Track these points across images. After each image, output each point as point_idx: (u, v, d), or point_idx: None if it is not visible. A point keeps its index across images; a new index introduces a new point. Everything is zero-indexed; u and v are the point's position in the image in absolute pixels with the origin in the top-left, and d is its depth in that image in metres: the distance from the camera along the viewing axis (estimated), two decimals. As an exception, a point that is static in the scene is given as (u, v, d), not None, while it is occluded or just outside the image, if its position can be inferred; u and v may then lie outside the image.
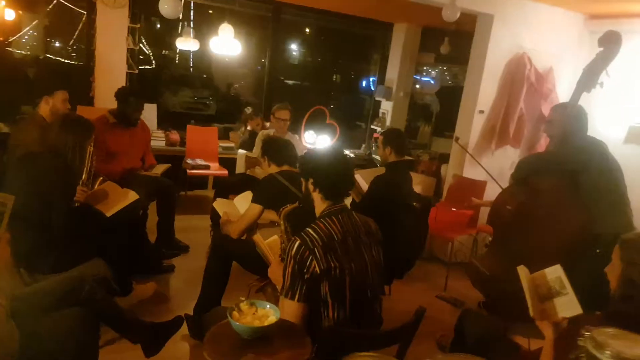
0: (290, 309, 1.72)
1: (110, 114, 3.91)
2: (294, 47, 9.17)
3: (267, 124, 5.91)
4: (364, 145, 7.66)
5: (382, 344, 1.72)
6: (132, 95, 3.92)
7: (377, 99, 7.65)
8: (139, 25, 5.60)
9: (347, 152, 7.20)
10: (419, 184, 4.80)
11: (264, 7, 6.58)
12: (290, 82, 9.22)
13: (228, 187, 4.36)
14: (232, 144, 6.54)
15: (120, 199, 2.92)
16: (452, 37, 6.20)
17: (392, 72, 7.36)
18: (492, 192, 4.49)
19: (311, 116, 6.91)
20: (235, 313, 1.58)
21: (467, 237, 4.50)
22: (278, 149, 2.93)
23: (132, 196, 2.97)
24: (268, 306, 1.63)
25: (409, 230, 3.22)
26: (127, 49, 5.50)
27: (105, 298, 2.12)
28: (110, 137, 3.85)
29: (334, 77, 9.98)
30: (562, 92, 4.55)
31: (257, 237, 2.28)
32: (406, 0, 4.34)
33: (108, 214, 2.80)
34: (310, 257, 1.71)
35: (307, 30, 8.69)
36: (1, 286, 2.14)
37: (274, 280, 2.02)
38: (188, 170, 5.44)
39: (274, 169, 2.88)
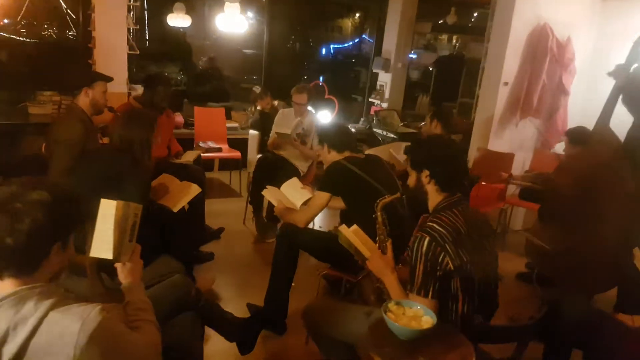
0: (423, 307, 1.70)
1: (136, 102, 3.74)
2: (287, 22, 8.97)
3: (276, 102, 5.78)
4: (362, 119, 7.61)
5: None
6: (161, 83, 3.75)
7: (374, 71, 7.57)
8: (138, 3, 5.31)
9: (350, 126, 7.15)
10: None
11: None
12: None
13: (265, 170, 4.26)
14: (235, 124, 6.40)
15: (184, 193, 2.82)
16: (456, 7, 6.16)
17: (389, 43, 7.27)
18: (518, 165, 4.59)
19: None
20: (390, 314, 1.56)
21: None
22: (338, 135, 2.85)
23: (195, 189, 2.87)
24: (418, 306, 1.62)
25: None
26: (128, 28, 5.21)
27: (207, 299, 2.07)
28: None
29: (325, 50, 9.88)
30: (580, 62, 4.62)
31: (344, 228, 2.24)
32: None
33: (175, 210, 2.71)
34: (443, 253, 1.68)
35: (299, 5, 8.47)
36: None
37: (376, 272, 1.98)
38: (202, 155, 5.29)
39: (334, 155, 2.81)
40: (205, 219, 4.09)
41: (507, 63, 4.41)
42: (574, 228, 2.71)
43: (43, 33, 5.94)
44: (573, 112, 4.73)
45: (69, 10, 5.69)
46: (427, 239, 1.70)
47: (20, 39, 5.82)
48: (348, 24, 10.37)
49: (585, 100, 4.73)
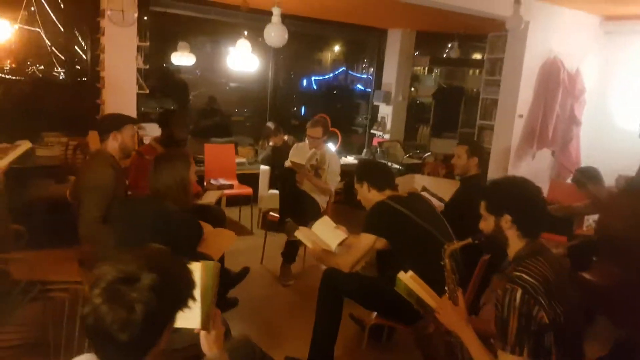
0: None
1: (157, 143, 3.65)
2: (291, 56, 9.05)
3: (286, 137, 5.75)
4: (365, 151, 7.61)
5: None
6: (175, 116, 3.69)
7: (375, 103, 7.63)
8: (147, 44, 5.26)
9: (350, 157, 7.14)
10: (447, 188, 4.80)
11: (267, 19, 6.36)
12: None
13: (290, 207, 4.17)
14: (243, 159, 6.32)
15: (223, 240, 2.72)
16: (458, 41, 6.28)
17: (389, 76, 7.38)
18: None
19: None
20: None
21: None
22: (378, 174, 2.78)
23: (232, 236, 2.77)
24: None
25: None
26: (137, 68, 5.15)
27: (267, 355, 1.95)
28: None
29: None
30: (588, 93, 4.71)
31: (403, 276, 2.14)
32: (412, 7, 4.33)
33: (216, 259, 2.59)
34: (537, 306, 1.59)
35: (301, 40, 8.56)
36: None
37: (449, 325, 1.88)
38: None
39: (375, 194, 2.73)
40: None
41: (521, 96, 4.47)
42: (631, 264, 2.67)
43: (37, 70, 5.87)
44: (583, 141, 4.81)
45: (78, 49, 5.65)
46: (519, 292, 1.61)
47: (15, 77, 5.74)
48: (329, 56, 10.53)
49: (594, 129, 4.81)
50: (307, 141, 4.34)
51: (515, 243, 1.81)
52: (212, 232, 2.79)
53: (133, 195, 2.83)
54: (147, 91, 5.31)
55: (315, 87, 10.28)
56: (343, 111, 9.04)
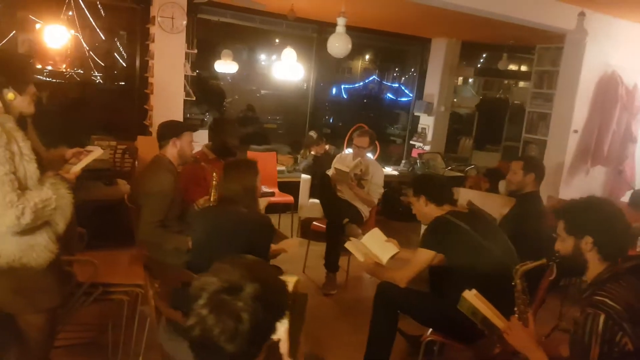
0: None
1: (209, 150, 3.69)
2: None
3: (327, 147, 5.74)
4: (404, 162, 7.52)
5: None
6: (228, 123, 3.72)
7: (416, 114, 7.55)
8: (195, 51, 5.35)
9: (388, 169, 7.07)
10: (495, 204, 4.69)
11: (310, 28, 6.41)
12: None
13: (334, 213, 4.14)
14: (282, 167, 6.34)
15: (285, 245, 2.71)
16: (507, 53, 6.17)
17: (432, 87, 7.29)
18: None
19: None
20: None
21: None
22: (437, 188, 2.72)
23: (296, 242, 2.77)
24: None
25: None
26: (185, 75, 5.24)
27: None
28: (207, 170, 3.64)
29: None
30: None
31: (468, 295, 2.08)
32: (461, 17, 4.27)
33: (282, 267, 2.60)
34: (620, 333, 1.53)
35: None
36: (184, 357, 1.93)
37: (519, 347, 1.81)
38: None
39: (433, 209, 2.67)
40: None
41: (576, 111, 4.34)
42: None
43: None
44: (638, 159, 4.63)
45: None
46: (602, 317, 1.55)
47: (55, 80, 5.89)
48: (359, 65, 10.50)
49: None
50: (351, 151, 4.32)
51: (595, 266, 1.74)
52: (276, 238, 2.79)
53: (207, 204, 2.86)
54: (194, 98, 5.38)
55: (345, 96, 10.29)
56: (376, 120, 8.99)
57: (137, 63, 5.40)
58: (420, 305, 2.57)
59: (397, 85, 10.29)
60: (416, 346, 3.09)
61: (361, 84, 10.55)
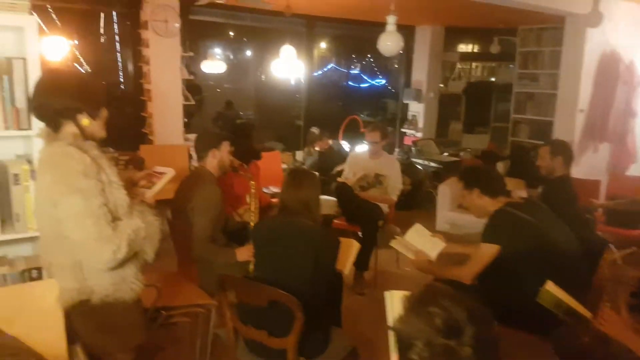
0: None
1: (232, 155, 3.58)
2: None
3: (330, 142, 5.70)
4: (397, 150, 7.56)
5: None
6: (251, 128, 3.63)
7: (405, 101, 7.58)
8: (191, 54, 5.18)
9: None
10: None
11: (299, 22, 6.31)
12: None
13: (354, 216, 4.12)
14: (284, 165, 6.25)
15: (347, 250, 2.65)
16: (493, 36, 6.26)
17: (419, 74, 7.33)
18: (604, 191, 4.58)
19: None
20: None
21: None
22: (491, 179, 2.67)
23: (356, 245, 2.71)
24: None
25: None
26: (182, 79, 5.07)
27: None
28: (236, 181, 3.55)
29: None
30: None
31: (551, 287, 2.05)
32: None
33: (346, 272, 2.55)
34: None
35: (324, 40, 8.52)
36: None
37: (616, 335, 1.79)
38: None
39: (488, 202, 2.65)
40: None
41: (581, 91, 4.45)
42: None
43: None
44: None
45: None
46: None
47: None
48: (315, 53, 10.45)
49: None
50: (364, 147, 4.31)
51: None
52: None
53: (248, 213, 2.78)
54: (193, 102, 5.22)
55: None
56: (354, 109, 8.96)
57: (130, 68, 5.19)
58: (490, 300, 2.56)
59: (357, 71, 10.15)
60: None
61: (320, 72, 10.37)
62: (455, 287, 2.50)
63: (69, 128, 1.61)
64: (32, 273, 1.86)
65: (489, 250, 2.51)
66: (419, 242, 2.99)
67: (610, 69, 4.45)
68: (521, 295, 2.29)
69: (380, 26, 6.18)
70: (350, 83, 10.88)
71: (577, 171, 4.55)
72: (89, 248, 1.54)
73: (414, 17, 6.79)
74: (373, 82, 10.72)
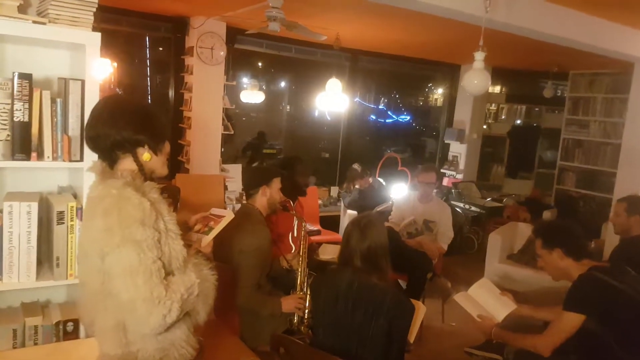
0: None
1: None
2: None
3: (371, 179, 5.46)
4: (435, 191, 7.25)
5: None
6: (298, 161, 3.41)
7: (446, 141, 7.32)
8: (234, 83, 5.05)
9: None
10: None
11: (343, 56, 6.17)
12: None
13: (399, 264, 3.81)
14: (319, 201, 6.02)
15: (415, 315, 2.37)
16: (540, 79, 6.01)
17: (463, 113, 7.09)
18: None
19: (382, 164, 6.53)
20: None
21: None
22: (575, 239, 2.38)
23: (424, 309, 2.41)
24: None
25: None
26: (223, 108, 4.93)
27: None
28: (280, 217, 3.30)
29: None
30: None
31: None
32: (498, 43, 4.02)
33: (412, 340, 2.25)
34: None
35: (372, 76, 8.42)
36: None
37: None
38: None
39: (571, 264, 2.35)
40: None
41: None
42: None
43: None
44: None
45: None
46: None
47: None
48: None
49: None
50: (415, 190, 4.06)
51: None
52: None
53: (297, 259, 2.52)
54: (232, 132, 5.06)
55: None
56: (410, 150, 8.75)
57: (171, 95, 5.07)
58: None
59: (383, 108, 10.06)
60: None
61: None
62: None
63: (127, 164, 1.40)
64: (68, 326, 1.59)
65: (573, 321, 2.21)
66: (485, 300, 2.70)
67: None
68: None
69: (424, 63, 5.98)
70: (373, 117, 10.77)
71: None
72: (136, 309, 1.27)
73: (461, 55, 6.61)
74: (397, 118, 10.61)
